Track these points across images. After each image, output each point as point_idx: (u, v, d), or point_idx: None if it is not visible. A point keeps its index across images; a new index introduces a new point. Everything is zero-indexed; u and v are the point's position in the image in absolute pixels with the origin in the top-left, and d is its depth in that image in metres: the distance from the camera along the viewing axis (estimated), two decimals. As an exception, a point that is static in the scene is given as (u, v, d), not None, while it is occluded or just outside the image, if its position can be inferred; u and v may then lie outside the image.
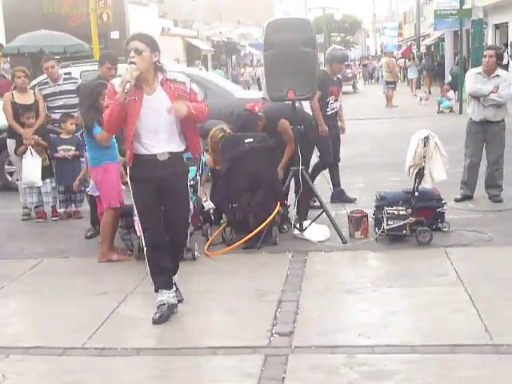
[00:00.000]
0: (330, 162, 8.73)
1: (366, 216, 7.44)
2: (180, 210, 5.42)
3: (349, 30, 58.45)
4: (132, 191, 5.33)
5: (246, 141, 7.35)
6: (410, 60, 36.24)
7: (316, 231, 7.44)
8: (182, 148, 5.33)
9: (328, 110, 8.68)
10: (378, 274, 6.27)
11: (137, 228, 6.70)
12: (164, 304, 5.34)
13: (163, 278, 5.39)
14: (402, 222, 7.07)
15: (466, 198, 8.67)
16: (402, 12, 60.73)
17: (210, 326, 5.23)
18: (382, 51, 60.32)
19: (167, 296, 5.37)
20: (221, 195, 7.46)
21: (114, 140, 6.93)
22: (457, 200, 8.58)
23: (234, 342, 4.84)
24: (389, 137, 10.20)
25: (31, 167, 8.63)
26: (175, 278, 5.62)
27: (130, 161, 5.21)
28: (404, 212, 7.13)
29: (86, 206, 9.10)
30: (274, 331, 5.01)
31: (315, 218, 7.62)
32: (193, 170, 7.35)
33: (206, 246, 7.13)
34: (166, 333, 5.11)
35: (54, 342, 5.01)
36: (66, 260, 7.11)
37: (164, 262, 5.38)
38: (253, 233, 7.07)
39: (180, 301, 5.54)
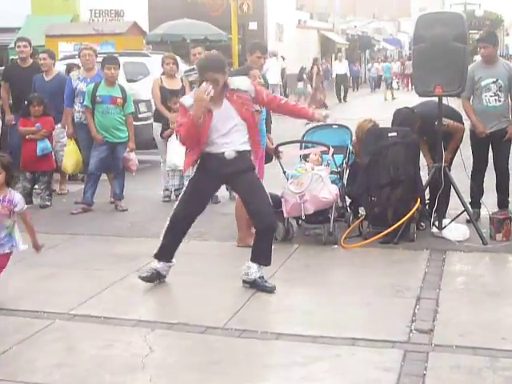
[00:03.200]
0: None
1: (510, 218, 7.22)
2: (260, 198, 5.75)
3: (489, 28, 56.52)
4: (193, 176, 5.84)
5: (390, 135, 7.29)
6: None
7: (455, 230, 7.29)
8: (248, 148, 5.75)
9: None
10: (521, 279, 6.09)
11: (283, 209, 6.85)
12: (151, 268, 5.94)
13: (166, 252, 5.96)
14: (547, 227, 6.83)
15: None
16: (547, 10, 58.15)
17: (350, 318, 5.22)
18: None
19: (157, 265, 5.95)
20: (360, 188, 7.44)
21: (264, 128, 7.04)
22: None
23: (373, 335, 4.82)
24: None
25: (176, 151, 8.87)
26: (260, 271, 5.82)
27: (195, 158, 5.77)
28: (551, 216, 6.88)
29: (222, 192, 9.31)
30: (413, 328, 4.96)
31: (455, 217, 7.48)
32: (339, 157, 7.46)
33: (342, 239, 7.14)
34: (305, 320, 5.16)
35: (196, 320, 5.16)
36: (206, 243, 7.30)
37: (175, 241, 5.98)
38: (391, 228, 7.01)
39: (272, 289, 5.75)
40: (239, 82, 5.71)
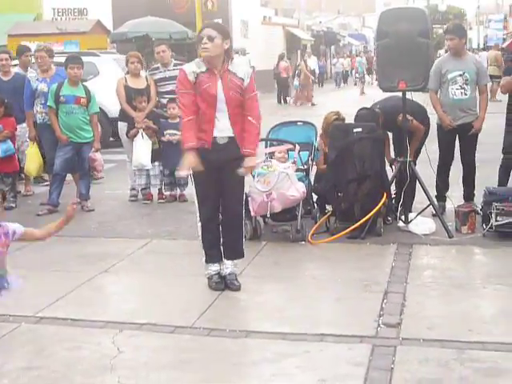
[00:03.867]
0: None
1: (474, 211, 7.31)
2: (234, 192, 5.68)
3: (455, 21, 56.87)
4: (192, 172, 5.64)
5: (355, 130, 7.33)
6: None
7: (421, 224, 7.36)
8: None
9: None
10: (486, 271, 6.16)
11: (250, 208, 6.85)
12: (213, 275, 5.78)
13: (213, 252, 5.79)
14: (511, 219, 6.90)
15: None
16: (508, 4, 58.93)
17: (319, 314, 5.25)
18: (484, 44, 58.63)
19: (216, 268, 5.80)
20: (328, 184, 7.47)
21: None
22: None
23: (342, 331, 4.85)
24: (493, 132, 9.97)
25: (142, 150, 8.87)
26: (235, 266, 5.85)
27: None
28: (514, 208, 6.95)
29: (189, 190, 9.29)
30: (380, 322, 4.99)
31: (421, 211, 7.54)
32: (305, 154, 7.50)
33: (309, 235, 7.16)
34: (274, 317, 5.16)
35: (165, 320, 5.14)
36: (174, 241, 7.29)
37: (214, 238, 5.76)
38: (358, 223, 7.05)
39: (237, 289, 5.71)
40: (239, 67, 5.53)
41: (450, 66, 7.84)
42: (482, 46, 60.01)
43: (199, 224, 5.78)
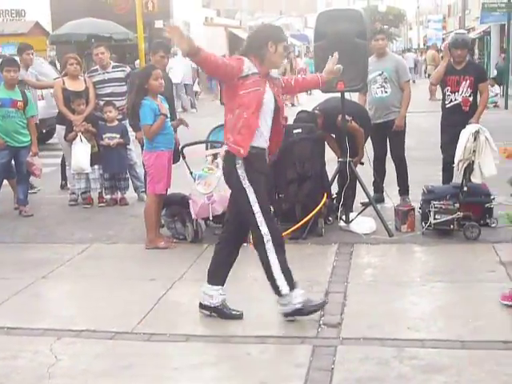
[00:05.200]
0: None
1: (413, 210, 7.40)
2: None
3: (392, 22, 57.57)
4: (255, 187, 4.94)
5: (295, 131, 7.34)
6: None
7: (362, 223, 7.42)
8: None
9: (446, 102, 8.05)
10: (425, 268, 6.24)
11: (191, 210, 6.79)
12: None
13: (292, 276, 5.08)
14: (449, 217, 7.01)
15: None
16: (447, 4, 60.00)
17: (259, 315, 5.23)
18: (424, 44, 59.61)
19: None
20: (268, 185, 7.45)
21: (169, 125, 7.01)
22: None
23: (282, 332, 4.86)
24: (433, 131, 10.14)
25: (81, 154, 8.74)
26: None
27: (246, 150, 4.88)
28: (452, 206, 7.06)
29: (130, 193, 9.21)
30: (321, 322, 5.02)
31: (361, 211, 7.61)
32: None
33: (251, 236, 7.13)
34: (215, 320, 5.14)
35: (104, 326, 5.08)
36: (114, 246, 7.20)
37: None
38: (299, 223, 7.08)
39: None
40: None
41: (371, 67, 8.04)
42: (422, 45, 60.96)
43: (271, 244, 5.03)
